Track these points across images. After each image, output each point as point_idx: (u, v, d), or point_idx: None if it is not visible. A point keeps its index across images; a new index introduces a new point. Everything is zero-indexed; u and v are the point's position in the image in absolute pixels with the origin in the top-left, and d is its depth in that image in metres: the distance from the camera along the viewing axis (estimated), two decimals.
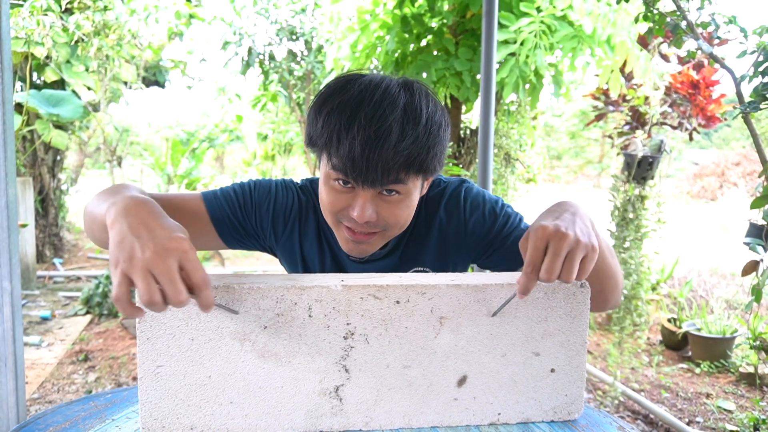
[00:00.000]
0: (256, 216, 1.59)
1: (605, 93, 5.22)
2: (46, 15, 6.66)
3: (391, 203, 1.40)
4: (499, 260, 1.60)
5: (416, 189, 1.43)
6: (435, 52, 4.98)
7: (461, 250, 1.63)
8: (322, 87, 1.43)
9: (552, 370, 1.31)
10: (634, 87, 4.87)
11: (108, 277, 6.55)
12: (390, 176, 1.33)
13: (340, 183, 1.38)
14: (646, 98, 4.77)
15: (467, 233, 1.59)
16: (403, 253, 1.63)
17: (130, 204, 1.09)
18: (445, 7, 4.86)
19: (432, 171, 1.40)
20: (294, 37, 8.87)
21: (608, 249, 1.38)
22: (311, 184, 1.67)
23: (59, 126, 8.06)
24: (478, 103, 4.07)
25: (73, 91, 7.84)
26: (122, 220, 1.05)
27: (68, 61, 7.57)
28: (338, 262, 1.65)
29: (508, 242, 1.57)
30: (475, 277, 1.29)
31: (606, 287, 1.41)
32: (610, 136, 5.36)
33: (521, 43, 4.50)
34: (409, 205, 1.43)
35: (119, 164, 8.97)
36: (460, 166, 5.34)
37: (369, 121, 1.29)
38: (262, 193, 1.60)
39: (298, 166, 14.67)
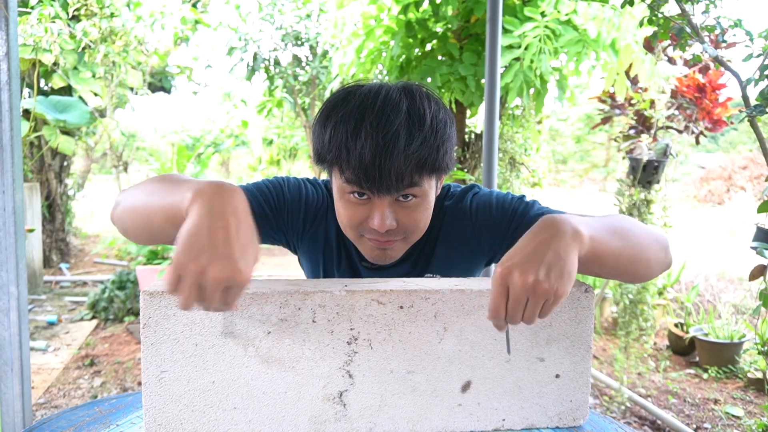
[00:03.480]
0: (288, 212, 1.58)
1: (611, 96, 5.22)
2: (54, 22, 6.67)
3: (409, 208, 1.40)
4: None
5: (432, 189, 1.43)
6: (440, 57, 4.98)
7: (474, 257, 1.62)
8: (323, 103, 1.44)
9: (557, 376, 1.30)
10: (640, 90, 4.86)
11: (114, 282, 6.56)
12: (404, 181, 1.33)
13: (356, 195, 1.39)
14: (652, 102, 4.76)
15: (477, 239, 1.58)
16: (416, 261, 1.63)
17: (218, 194, 1.05)
18: (450, 12, 4.86)
19: (445, 169, 1.41)
20: (299, 42, 8.89)
21: (620, 238, 1.26)
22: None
23: (66, 132, 8.08)
24: (482, 108, 4.07)
25: (80, 97, 7.84)
26: (207, 216, 1.01)
27: (75, 68, 7.58)
28: (353, 268, 1.65)
29: (519, 233, 1.52)
30: (478, 282, 1.29)
31: (635, 271, 1.33)
32: (615, 140, 5.34)
33: (526, 48, 4.50)
34: (427, 208, 1.44)
35: (125, 169, 8.99)
36: (465, 170, 5.34)
37: (375, 129, 1.30)
38: (293, 190, 1.60)
39: (303, 170, 14.69)
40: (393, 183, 1.32)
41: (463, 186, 1.67)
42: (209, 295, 0.98)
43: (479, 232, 1.56)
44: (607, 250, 1.20)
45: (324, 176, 1.66)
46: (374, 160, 1.29)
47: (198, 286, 0.97)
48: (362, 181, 1.33)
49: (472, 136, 5.54)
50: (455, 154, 1.47)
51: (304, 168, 14.81)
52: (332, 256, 1.65)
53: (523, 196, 1.58)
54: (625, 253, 1.25)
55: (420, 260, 1.62)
